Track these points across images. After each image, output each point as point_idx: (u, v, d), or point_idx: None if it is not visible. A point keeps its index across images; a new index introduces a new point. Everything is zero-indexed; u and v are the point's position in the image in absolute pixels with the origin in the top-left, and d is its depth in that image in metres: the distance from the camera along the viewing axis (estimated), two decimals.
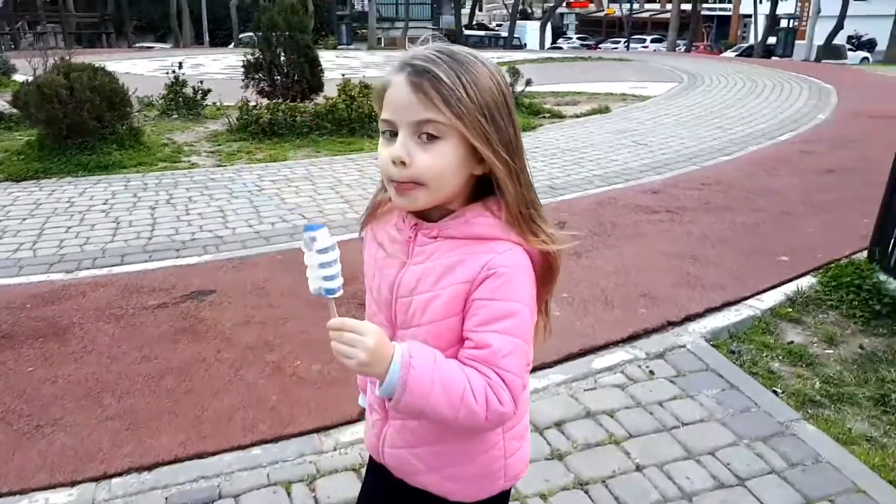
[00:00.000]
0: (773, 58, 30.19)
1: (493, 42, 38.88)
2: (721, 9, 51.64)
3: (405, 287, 1.16)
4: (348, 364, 1.02)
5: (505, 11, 64.06)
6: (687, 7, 39.10)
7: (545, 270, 1.17)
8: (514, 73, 10.43)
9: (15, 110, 8.44)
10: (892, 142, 8.49)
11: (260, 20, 9.58)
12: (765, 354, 3.37)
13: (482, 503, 1.27)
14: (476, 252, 1.10)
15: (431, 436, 1.21)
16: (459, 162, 1.08)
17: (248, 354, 3.26)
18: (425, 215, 1.16)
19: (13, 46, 27.27)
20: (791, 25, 37.60)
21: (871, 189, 6.24)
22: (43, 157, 7.00)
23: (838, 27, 31.64)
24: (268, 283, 4.11)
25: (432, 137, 1.06)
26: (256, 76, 9.57)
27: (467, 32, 38.82)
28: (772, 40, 36.57)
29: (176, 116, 9.99)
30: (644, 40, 47.24)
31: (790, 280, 4.15)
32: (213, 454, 2.54)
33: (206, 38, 34.76)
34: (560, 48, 41.87)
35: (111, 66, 8.61)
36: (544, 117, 10.50)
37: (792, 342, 3.49)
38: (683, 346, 3.38)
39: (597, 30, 58.38)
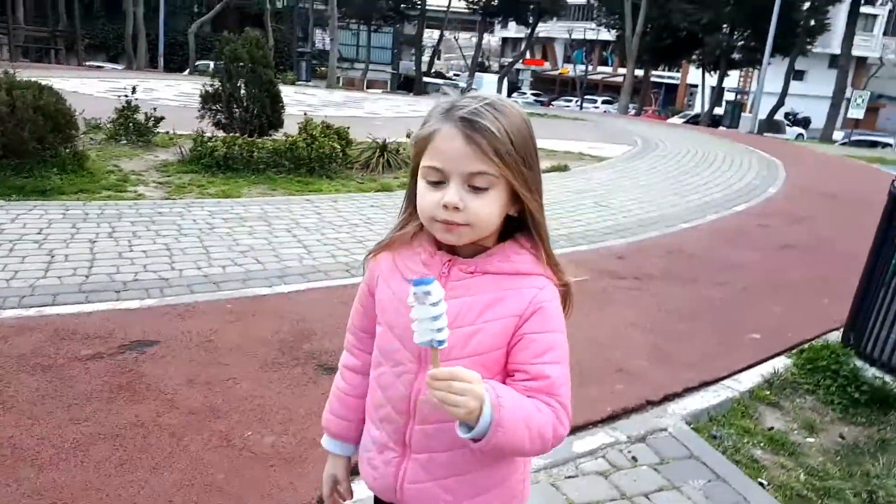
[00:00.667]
0: (721, 127, 31.44)
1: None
2: (669, 77, 53.88)
3: None
4: (455, 413, 1.03)
5: (462, 62, 65.44)
6: (640, 73, 40.62)
7: (563, 304, 1.24)
8: None
9: None
10: (842, 221, 8.76)
11: (223, 51, 9.28)
12: (746, 441, 3.21)
13: None
14: (517, 287, 1.17)
15: (463, 465, 1.23)
16: (503, 206, 1.15)
17: (192, 421, 2.91)
18: (456, 251, 1.20)
19: None
20: (737, 99, 39.52)
21: (828, 267, 6.35)
22: None
23: (780, 103, 33.34)
24: (216, 336, 3.76)
25: (484, 189, 1.12)
26: (214, 107, 9.26)
27: (426, 79, 39.30)
28: (717, 110, 38.29)
29: (125, 142, 9.53)
30: (595, 100, 48.76)
31: (765, 360, 4.05)
32: None
33: (161, 62, 34.07)
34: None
35: (59, 83, 8.18)
36: None
37: (772, 428, 3.36)
38: (665, 430, 3.20)
39: (550, 87, 59.99)
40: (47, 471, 2.49)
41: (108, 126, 9.76)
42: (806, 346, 4.20)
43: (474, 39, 47.81)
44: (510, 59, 47.71)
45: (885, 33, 46.93)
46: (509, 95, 48.09)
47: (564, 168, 11.13)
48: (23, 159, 6.66)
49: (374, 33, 43.66)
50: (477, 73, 42.77)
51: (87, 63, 34.81)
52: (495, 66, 67.39)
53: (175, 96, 17.55)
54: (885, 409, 3.51)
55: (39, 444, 2.65)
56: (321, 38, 41.20)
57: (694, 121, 37.10)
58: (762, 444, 3.21)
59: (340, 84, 36.46)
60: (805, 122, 41.11)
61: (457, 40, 70.21)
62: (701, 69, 40.80)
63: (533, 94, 53.71)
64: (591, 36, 53.06)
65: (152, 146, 9.59)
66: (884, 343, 3.65)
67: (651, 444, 3.07)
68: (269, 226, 6.15)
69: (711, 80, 39.44)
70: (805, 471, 3.02)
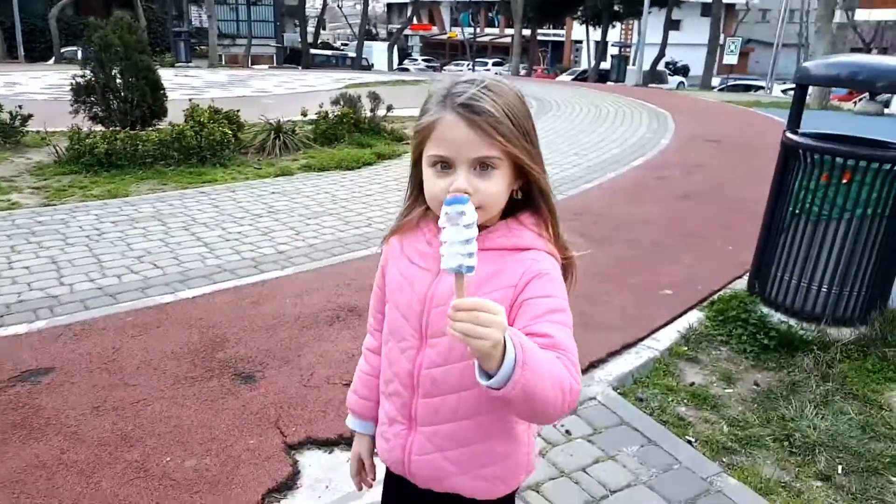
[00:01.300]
0: (609, 83, 32.29)
1: (341, 62, 38.41)
2: (555, 34, 54.80)
3: (440, 297, 1.21)
4: (480, 345, 0.97)
5: (348, 31, 64.00)
6: (527, 32, 41.03)
7: (565, 278, 1.26)
8: (375, 98, 10.16)
9: None
10: (732, 166, 9.20)
11: (91, 39, 8.56)
12: (670, 399, 3.31)
13: (503, 499, 1.34)
14: (516, 260, 1.19)
15: (466, 437, 1.26)
16: (509, 183, 1.19)
17: (102, 454, 2.67)
18: None
19: None
20: (621, 52, 40.71)
21: (728, 214, 6.64)
22: None
23: (661, 54, 34.56)
24: (119, 355, 3.48)
25: (490, 167, 1.15)
26: (89, 100, 8.56)
27: (313, 51, 38.14)
28: (604, 65, 39.29)
29: None
30: (486, 63, 48.98)
31: (679, 316, 4.17)
32: None
33: (21, 51, 31.28)
34: (407, 69, 42.28)
35: None
36: (408, 143, 10.31)
37: (693, 383, 3.47)
38: (594, 399, 3.23)
39: (440, 52, 59.78)
40: None
41: None
42: (716, 297, 4.36)
43: (359, 7, 46.76)
44: (398, 26, 47.03)
45: None
46: (400, 62, 47.57)
47: None
48: None
49: (253, 6, 41.77)
50: (366, 42, 41.91)
51: None
52: (383, 33, 66.43)
53: (42, 89, 16.19)
54: (792, 352, 3.69)
55: None
56: (198, 16, 39.07)
57: (582, 77, 37.97)
58: (686, 401, 3.31)
59: (223, 62, 34.82)
60: (685, 71, 42.96)
61: (341, 8, 68.59)
62: (585, 24, 41.73)
63: (424, 60, 53.33)
64: None
65: (22, 147, 8.79)
66: (787, 288, 3.83)
67: (582, 415, 3.09)
68: (163, 225, 5.77)
69: (595, 34, 40.41)
70: (727, 422, 3.14)
